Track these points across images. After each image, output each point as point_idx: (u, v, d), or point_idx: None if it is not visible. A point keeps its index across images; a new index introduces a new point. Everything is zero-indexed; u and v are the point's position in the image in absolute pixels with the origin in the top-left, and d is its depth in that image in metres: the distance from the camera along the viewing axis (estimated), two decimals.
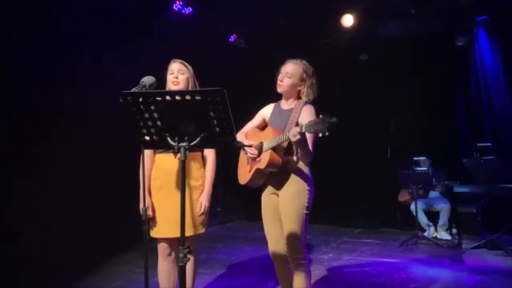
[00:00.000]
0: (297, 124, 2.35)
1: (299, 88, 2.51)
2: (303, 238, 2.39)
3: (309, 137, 2.30)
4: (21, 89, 3.92)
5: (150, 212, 2.48)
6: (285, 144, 2.36)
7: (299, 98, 2.54)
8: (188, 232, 2.49)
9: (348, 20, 6.14)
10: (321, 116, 1.98)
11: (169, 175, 2.52)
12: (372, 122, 6.68)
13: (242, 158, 2.67)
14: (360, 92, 6.61)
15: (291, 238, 2.38)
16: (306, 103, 2.49)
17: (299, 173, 2.42)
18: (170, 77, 2.59)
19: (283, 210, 2.42)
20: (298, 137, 2.09)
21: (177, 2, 5.58)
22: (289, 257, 2.43)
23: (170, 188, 2.51)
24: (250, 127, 2.70)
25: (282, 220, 2.42)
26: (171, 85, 2.58)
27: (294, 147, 2.39)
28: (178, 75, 2.58)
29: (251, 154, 2.45)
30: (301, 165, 2.44)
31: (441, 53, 6.10)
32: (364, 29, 6.22)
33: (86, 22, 4.33)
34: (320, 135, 1.96)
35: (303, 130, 2.05)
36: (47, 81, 4.08)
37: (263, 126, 2.67)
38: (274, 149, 2.33)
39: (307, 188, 2.42)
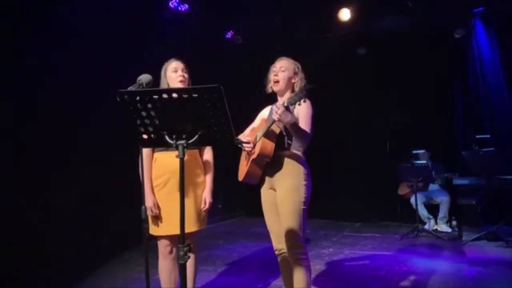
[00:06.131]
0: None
1: (293, 81, 2.57)
2: (301, 233, 2.41)
3: (305, 118, 2.38)
4: (20, 89, 3.90)
5: (156, 211, 2.52)
6: (276, 130, 2.40)
7: (292, 92, 2.57)
8: (193, 228, 2.56)
9: (345, 14, 6.12)
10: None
11: (174, 173, 2.51)
12: (371, 116, 6.69)
13: (243, 156, 2.70)
14: (359, 86, 6.60)
15: (290, 234, 2.40)
16: None
17: (294, 165, 2.44)
18: (174, 75, 2.60)
19: (280, 206, 2.44)
20: (279, 112, 2.16)
21: None
22: (288, 252, 2.45)
23: (175, 186, 2.52)
24: (250, 128, 2.74)
25: (280, 216, 2.45)
26: (176, 83, 2.59)
27: (285, 135, 2.42)
28: (184, 74, 2.61)
29: (248, 148, 2.48)
30: (295, 155, 2.46)
31: (439, 46, 6.08)
32: (361, 23, 6.20)
33: (81, 21, 4.31)
34: (302, 101, 2.13)
35: (285, 104, 2.15)
36: (43, 82, 4.06)
37: None
38: (265, 136, 2.37)
39: (304, 183, 2.44)
